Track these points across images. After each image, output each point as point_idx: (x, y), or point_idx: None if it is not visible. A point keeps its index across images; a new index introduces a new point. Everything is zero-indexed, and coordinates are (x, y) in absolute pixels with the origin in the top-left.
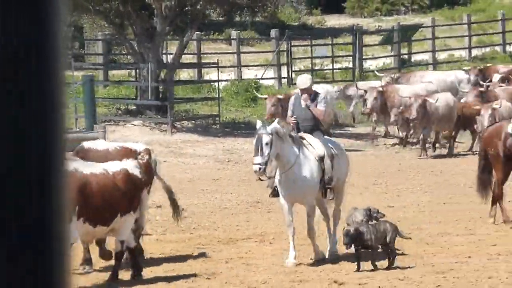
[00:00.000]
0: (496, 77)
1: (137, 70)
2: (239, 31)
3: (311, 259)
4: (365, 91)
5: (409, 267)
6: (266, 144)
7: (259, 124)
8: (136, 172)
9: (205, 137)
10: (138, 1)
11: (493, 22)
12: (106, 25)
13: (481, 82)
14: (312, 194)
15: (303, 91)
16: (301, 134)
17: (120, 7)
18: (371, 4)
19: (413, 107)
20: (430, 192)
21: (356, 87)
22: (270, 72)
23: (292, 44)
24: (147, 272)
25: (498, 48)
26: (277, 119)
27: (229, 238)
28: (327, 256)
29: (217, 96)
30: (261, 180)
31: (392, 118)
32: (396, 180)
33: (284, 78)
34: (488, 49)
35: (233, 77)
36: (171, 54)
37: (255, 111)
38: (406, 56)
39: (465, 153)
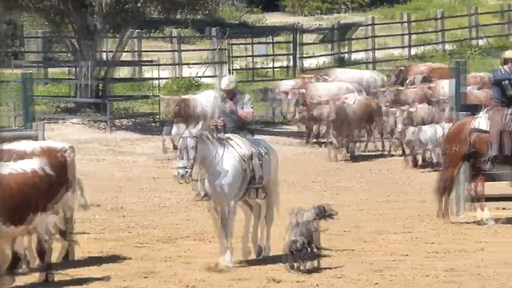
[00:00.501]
0: (418, 78)
1: (76, 68)
2: (179, 29)
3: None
4: (286, 93)
5: (346, 265)
6: (192, 147)
7: (182, 128)
8: (48, 170)
9: (145, 135)
10: None
11: (432, 21)
12: (45, 22)
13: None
14: (233, 195)
15: (226, 92)
16: (228, 134)
17: (60, 5)
18: (311, 3)
19: (331, 108)
20: (368, 190)
21: (272, 91)
22: (210, 70)
23: (232, 42)
24: (85, 272)
25: (437, 47)
26: (201, 121)
27: (168, 236)
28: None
29: (156, 94)
30: (186, 183)
31: (298, 116)
32: (335, 178)
33: (224, 76)
34: (427, 47)
35: (173, 75)
36: (111, 52)
37: None
38: (345, 55)
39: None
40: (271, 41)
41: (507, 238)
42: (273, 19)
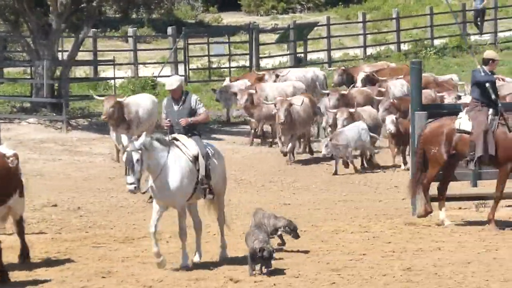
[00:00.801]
0: (360, 76)
1: (32, 68)
2: (135, 28)
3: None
4: (235, 93)
5: (304, 265)
6: (137, 161)
7: (125, 139)
8: None
9: (101, 135)
10: None
11: (388, 20)
12: (1, 22)
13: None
14: (182, 196)
15: (172, 92)
16: (175, 135)
17: (15, 4)
18: (267, 2)
19: (280, 111)
20: (326, 190)
21: (224, 91)
22: (167, 70)
23: (189, 41)
24: (43, 272)
25: (392, 47)
26: (144, 132)
27: (125, 236)
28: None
29: (113, 93)
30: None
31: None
32: (292, 178)
33: (181, 75)
34: (383, 47)
35: (130, 75)
36: (67, 51)
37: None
38: (302, 55)
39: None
40: (228, 40)
41: (463, 237)
42: (229, 18)
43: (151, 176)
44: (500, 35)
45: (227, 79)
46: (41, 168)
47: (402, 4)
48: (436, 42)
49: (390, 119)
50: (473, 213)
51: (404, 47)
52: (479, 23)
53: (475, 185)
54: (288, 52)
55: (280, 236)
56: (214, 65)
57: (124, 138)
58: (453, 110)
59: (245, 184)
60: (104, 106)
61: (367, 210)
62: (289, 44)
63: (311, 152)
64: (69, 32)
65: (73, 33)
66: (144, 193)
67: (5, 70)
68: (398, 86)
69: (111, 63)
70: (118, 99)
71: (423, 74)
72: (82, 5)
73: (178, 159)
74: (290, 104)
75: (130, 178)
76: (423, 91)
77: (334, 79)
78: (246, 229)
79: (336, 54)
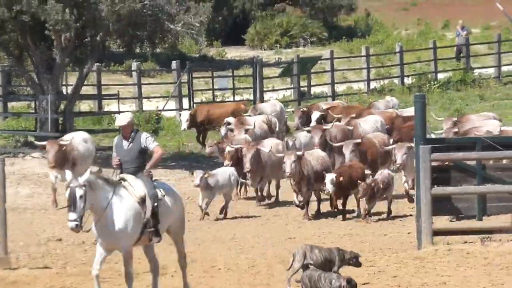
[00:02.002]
0: (315, 115)
1: (37, 102)
2: (139, 62)
3: None
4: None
5: None
6: (80, 197)
7: (69, 175)
8: None
9: (106, 169)
10: (37, 32)
11: (391, 54)
12: (5, 56)
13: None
14: (127, 238)
15: (122, 129)
16: (123, 175)
17: (19, 39)
18: (270, 37)
19: (246, 158)
20: (331, 224)
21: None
22: (172, 104)
23: (193, 75)
24: None
25: (396, 81)
26: (89, 169)
27: None
28: None
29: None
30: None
31: (208, 150)
32: (297, 212)
33: (186, 109)
34: (386, 81)
35: (134, 109)
36: (71, 85)
37: (163, 142)
38: (305, 89)
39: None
40: (232, 74)
41: (468, 272)
42: (232, 53)
43: (94, 216)
44: (504, 68)
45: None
46: (45, 202)
47: (405, 38)
48: (440, 75)
49: (329, 178)
50: (478, 247)
51: (408, 80)
52: (460, 58)
53: (480, 219)
54: (292, 86)
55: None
56: (219, 99)
57: (68, 174)
58: (459, 144)
59: (249, 218)
60: (48, 153)
61: (372, 244)
62: (292, 78)
63: (263, 199)
64: (73, 66)
65: (77, 67)
66: (88, 231)
67: (10, 104)
68: (370, 123)
69: (115, 97)
70: (61, 142)
71: (385, 110)
72: (86, 40)
73: (124, 200)
74: (257, 150)
75: (72, 215)
76: (374, 133)
77: (294, 122)
78: (250, 262)
79: (340, 88)
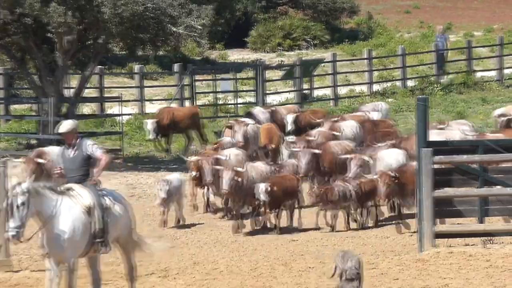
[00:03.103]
0: (290, 118)
1: (39, 105)
2: (141, 65)
3: None
4: None
5: None
6: (22, 204)
7: (14, 182)
8: None
9: (108, 172)
10: (40, 35)
11: (394, 57)
12: (7, 59)
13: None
14: (73, 249)
15: (64, 136)
16: (69, 185)
17: (22, 42)
18: (273, 39)
19: (224, 179)
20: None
21: None
22: (174, 106)
23: (195, 78)
24: None
25: (398, 83)
26: (33, 175)
27: None
28: None
29: (120, 130)
30: (21, 242)
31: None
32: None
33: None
34: (389, 84)
35: (136, 111)
36: (73, 88)
37: (159, 145)
38: (308, 91)
39: None
40: (234, 77)
41: (470, 274)
42: (235, 55)
43: (39, 225)
44: (506, 71)
45: None
46: None
47: (408, 41)
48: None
49: (263, 188)
50: (480, 249)
51: (410, 83)
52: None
53: (481, 221)
54: (294, 89)
55: None
56: (221, 102)
57: (14, 180)
58: (460, 147)
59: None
60: (26, 169)
61: (375, 247)
62: (295, 80)
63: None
64: (76, 69)
65: (80, 70)
66: (28, 240)
67: (12, 107)
68: (349, 127)
69: (117, 100)
70: (38, 160)
71: (355, 113)
72: (88, 42)
73: (71, 210)
74: (235, 172)
75: (12, 223)
76: (339, 141)
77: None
78: (253, 265)
79: (342, 91)
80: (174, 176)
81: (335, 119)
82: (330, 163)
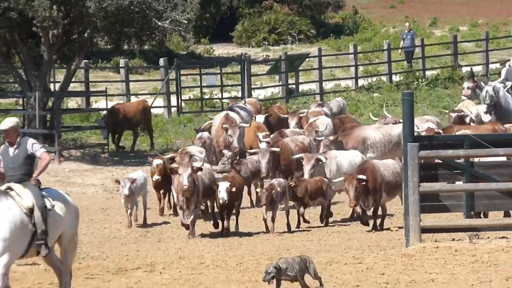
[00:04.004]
0: (259, 118)
1: (24, 99)
2: (127, 59)
3: None
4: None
5: None
6: None
7: None
8: None
9: (94, 166)
10: (25, 29)
11: (379, 52)
12: None
13: None
14: (9, 252)
15: (5, 134)
16: (9, 184)
17: (7, 35)
18: (258, 34)
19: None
20: (318, 221)
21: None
22: (159, 101)
23: (181, 73)
24: None
25: (384, 78)
26: None
27: (118, 268)
28: None
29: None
30: None
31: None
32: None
33: (174, 107)
34: (374, 78)
35: None
36: (59, 82)
37: (144, 140)
38: (293, 86)
39: None
40: (220, 71)
41: (456, 269)
42: (220, 50)
43: None
44: (492, 66)
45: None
46: None
47: (393, 35)
48: (428, 73)
49: (224, 187)
50: (466, 244)
51: (396, 78)
52: (411, 61)
53: (468, 216)
54: (280, 83)
55: None
56: (207, 96)
57: None
58: (447, 142)
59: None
60: None
61: (361, 242)
62: (280, 75)
63: None
64: (61, 63)
65: (65, 64)
66: None
67: None
68: (324, 124)
69: (103, 94)
70: None
71: (314, 109)
72: (74, 37)
73: (9, 210)
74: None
75: None
76: (295, 137)
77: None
78: (238, 259)
79: (328, 85)
80: (138, 174)
81: (302, 114)
82: (287, 161)
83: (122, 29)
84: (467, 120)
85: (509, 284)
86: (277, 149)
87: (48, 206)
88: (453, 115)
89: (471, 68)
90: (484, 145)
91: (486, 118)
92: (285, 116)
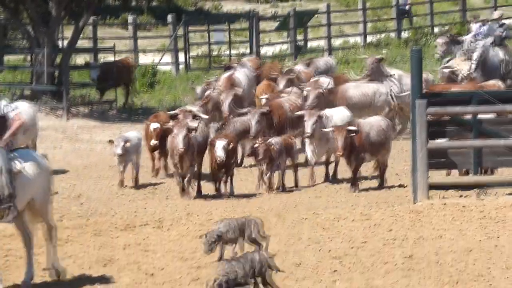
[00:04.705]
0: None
1: (32, 55)
2: (135, 16)
3: None
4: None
5: (305, 253)
6: None
7: None
8: None
9: (102, 123)
10: None
11: (388, 8)
12: (1, 9)
13: None
14: None
15: None
16: None
17: None
18: None
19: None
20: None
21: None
22: (167, 57)
23: (189, 29)
24: (43, 259)
25: (392, 34)
26: None
27: (126, 224)
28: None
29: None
30: None
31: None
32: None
33: (182, 63)
34: (383, 35)
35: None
36: (67, 38)
37: (152, 97)
38: (302, 43)
39: None
40: (228, 28)
41: (464, 225)
42: (228, 6)
43: None
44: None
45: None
46: None
47: None
48: (436, 29)
49: (221, 145)
50: (474, 200)
51: (405, 34)
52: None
53: (476, 172)
54: (288, 40)
55: None
56: (215, 53)
57: None
58: (456, 99)
59: (246, 171)
60: None
61: (368, 198)
62: (289, 31)
63: None
64: (69, 20)
65: (73, 20)
66: None
67: (6, 57)
68: (325, 83)
69: (111, 50)
70: None
71: (305, 70)
72: None
73: None
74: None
75: None
76: (288, 97)
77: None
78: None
79: (337, 42)
80: (132, 134)
81: (292, 75)
82: (281, 119)
83: None
84: (459, 77)
85: None
86: (265, 110)
87: (16, 169)
88: (446, 71)
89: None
90: (493, 101)
91: (473, 74)
92: (274, 76)
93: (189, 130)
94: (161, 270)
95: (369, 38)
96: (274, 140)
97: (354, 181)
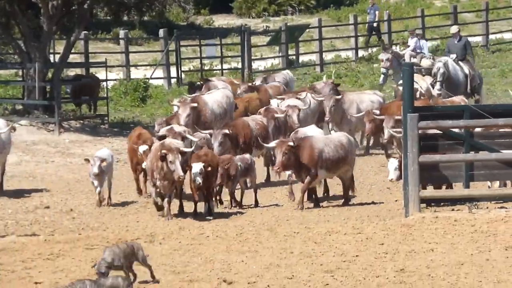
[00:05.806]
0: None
1: (24, 70)
2: (127, 30)
3: None
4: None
5: (297, 266)
6: None
7: None
8: None
9: (93, 137)
10: (24, 0)
11: (379, 23)
12: None
13: None
14: None
15: None
16: None
17: (6, 6)
18: (258, 5)
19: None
20: (318, 192)
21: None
22: (159, 72)
23: (181, 44)
24: (36, 273)
25: None
26: None
27: (118, 238)
28: None
29: (105, 95)
30: None
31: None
32: (285, 180)
33: (174, 78)
34: (374, 49)
35: (122, 77)
36: (59, 53)
37: (144, 111)
38: (294, 57)
39: None
40: (220, 42)
41: (456, 239)
42: (220, 21)
43: None
44: (491, 37)
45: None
46: (33, 170)
47: (393, 6)
48: (428, 44)
49: (198, 168)
50: (465, 214)
51: (396, 49)
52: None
53: (467, 186)
54: (280, 54)
55: None
56: (207, 67)
57: None
58: (445, 112)
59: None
60: None
61: (360, 212)
62: (280, 46)
63: None
64: (61, 35)
65: (65, 35)
66: None
67: None
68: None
69: (103, 65)
70: None
71: (272, 83)
72: (73, 8)
73: None
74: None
75: None
76: (255, 116)
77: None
78: (238, 230)
79: (328, 56)
80: (104, 152)
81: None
82: (246, 137)
83: (121, 0)
84: (417, 94)
85: (508, 254)
86: (229, 131)
87: None
88: (401, 88)
89: (382, 40)
90: (484, 115)
91: (435, 92)
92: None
93: (182, 154)
94: (153, 285)
95: (361, 53)
96: (238, 158)
97: (302, 198)
